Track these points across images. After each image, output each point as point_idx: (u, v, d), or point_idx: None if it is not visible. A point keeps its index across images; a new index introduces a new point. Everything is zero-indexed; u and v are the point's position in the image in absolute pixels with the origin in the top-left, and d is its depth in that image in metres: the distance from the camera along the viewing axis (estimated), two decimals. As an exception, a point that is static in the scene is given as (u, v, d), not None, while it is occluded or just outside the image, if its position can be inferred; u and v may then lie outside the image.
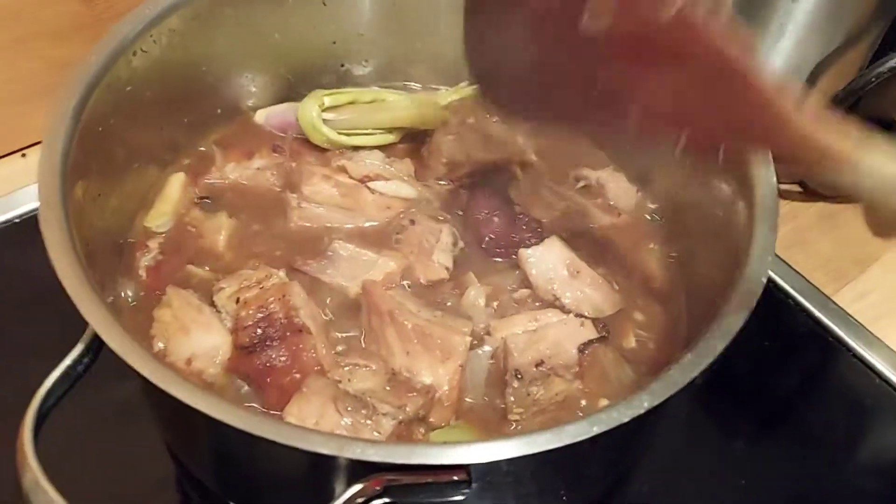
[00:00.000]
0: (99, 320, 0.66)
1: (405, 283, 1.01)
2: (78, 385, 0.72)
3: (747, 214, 0.86)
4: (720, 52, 0.66)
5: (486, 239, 1.05)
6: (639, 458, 1.01)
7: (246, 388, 0.89)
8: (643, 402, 0.67)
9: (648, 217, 1.12)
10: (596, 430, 0.65)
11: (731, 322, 0.74)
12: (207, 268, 0.99)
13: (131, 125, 0.97)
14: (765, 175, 0.87)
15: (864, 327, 1.16)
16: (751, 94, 0.67)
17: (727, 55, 0.66)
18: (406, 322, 0.92)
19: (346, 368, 0.86)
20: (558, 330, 0.95)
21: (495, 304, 1.00)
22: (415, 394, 0.84)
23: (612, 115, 0.76)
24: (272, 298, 0.90)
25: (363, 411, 0.79)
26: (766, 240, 0.80)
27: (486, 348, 0.94)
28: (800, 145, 0.67)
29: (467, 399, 0.91)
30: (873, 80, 1.11)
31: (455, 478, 0.65)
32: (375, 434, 0.77)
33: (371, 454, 0.62)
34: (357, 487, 0.63)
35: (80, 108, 0.85)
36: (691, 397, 1.10)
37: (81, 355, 0.70)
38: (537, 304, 1.00)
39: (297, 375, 0.87)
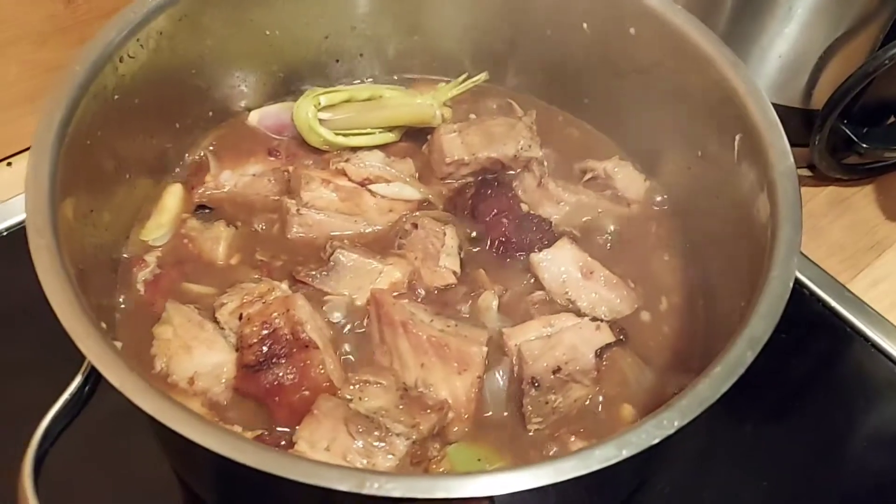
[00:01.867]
0: (99, 356, 0.63)
1: (419, 290, 0.97)
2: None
3: (769, 211, 0.82)
4: None
5: (496, 242, 1.01)
6: (663, 462, 0.99)
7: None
8: (673, 422, 0.64)
9: (659, 208, 1.09)
10: (625, 454, 0.62)
11: (761, 329, 0.71)
12: (206, 283, 0.96)
13: (120, 135, 0.93)
14: (786, 168, 0.84)
15: (881, 315, 1.13)
16: None
17: None
18: (420, 333, 0.88)
19: (356, 386, 0.82)
20: (574, 335, 0.91)
21: (509, 308, 0.97)
22: (429, 411, 0.81)
23: None
24: (276, 313, 0.86)
25: (376, 433, 0.75)
26: (791, 240, 0.77)
27: (501, 373, 0.90)
28: None
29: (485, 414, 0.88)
30: (886, 62, 1.07)
31: (478, 507, 0.62)
32: (389, 457, 0.74)
33: (391, 489, 0.58)
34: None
35: (65, 122, 0.81)
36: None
37: (80, 388, 0.66)
38: (553, 307, 0.97)
39: (307, 393, 0.84)
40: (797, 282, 1.16)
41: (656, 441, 0.63)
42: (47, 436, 0.64)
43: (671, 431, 0.64)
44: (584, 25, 1.07)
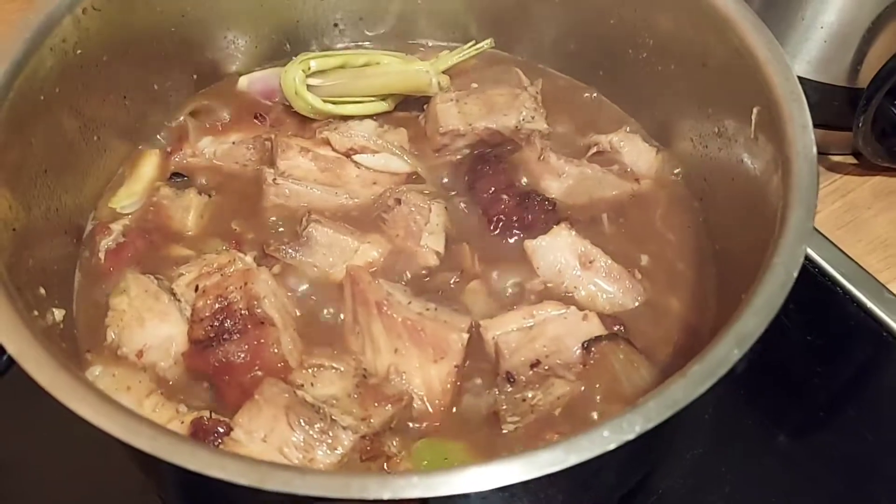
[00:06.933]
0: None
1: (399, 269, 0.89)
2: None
3: (782, 193, 0.72)
4: None
5: (496, 220, 0.93)
6: (655, 465, 0.89)
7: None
8: (634, 427, 0.55)
9: (673, 183, 0.98)
10: (573, 460, 0.54)
11: (753, 324, 0.61)
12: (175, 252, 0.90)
13: (85, 93, 0.87)
14: (804, 145, 0.73)
15: (924, 320, 1.01)
16: None
17: None
18: (395, 315, 0.81)
19: (310, 370, 0.75)
20: (558, 325, 0.83)
21: (502, 295, 0.89)
22: (386, 403, 0.73)
23: None
24: (232, 287, 0.80)
25: (318, 425, 0.68)
26: (801, 225, 0.67)
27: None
28: None
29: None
30: (942, 34, 0.95)
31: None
32: (330, 451, 0.67)
33: (298, 486, 0.51)
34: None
35: (12, 75, 0.76)
36: (728, 392, 0.97)
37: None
38: (550, 296, 0.88)
39: (259, 373, 0.78)
40: (831, 279, 1.05)
41: (612, 447, 0.54)
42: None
43: (630, 437, 0.55)
44: (598, -14, 0.98)
